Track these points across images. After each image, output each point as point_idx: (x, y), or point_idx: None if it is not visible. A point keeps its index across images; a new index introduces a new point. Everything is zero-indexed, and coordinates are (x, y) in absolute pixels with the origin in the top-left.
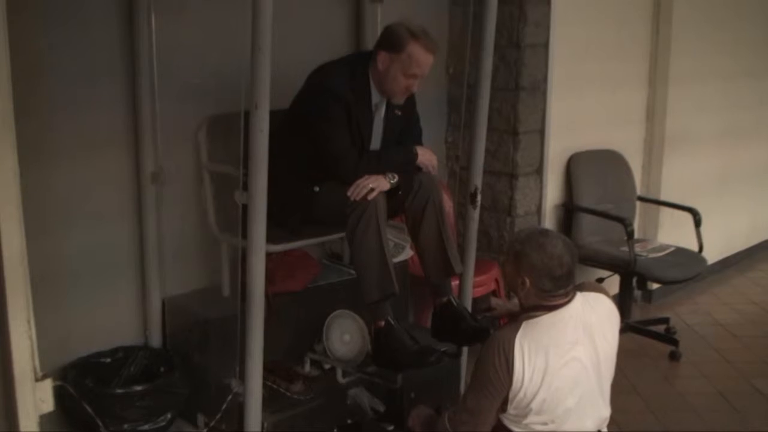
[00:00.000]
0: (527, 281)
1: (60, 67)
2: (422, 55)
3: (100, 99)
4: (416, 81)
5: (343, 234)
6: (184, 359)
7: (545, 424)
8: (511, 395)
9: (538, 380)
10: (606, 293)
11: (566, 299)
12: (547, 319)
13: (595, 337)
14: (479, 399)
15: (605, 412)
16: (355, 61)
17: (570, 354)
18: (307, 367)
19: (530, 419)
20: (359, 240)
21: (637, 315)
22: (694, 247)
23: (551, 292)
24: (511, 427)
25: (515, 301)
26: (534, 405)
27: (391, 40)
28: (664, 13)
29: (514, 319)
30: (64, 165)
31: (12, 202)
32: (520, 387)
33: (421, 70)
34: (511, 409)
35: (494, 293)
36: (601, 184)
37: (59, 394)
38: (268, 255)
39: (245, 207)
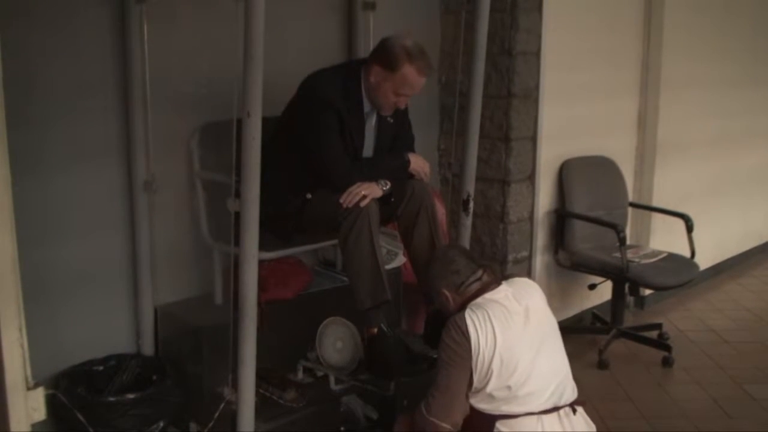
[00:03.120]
0: (444, 291)
1: (52, 77)
2: (415, 78)
3: (92, 108)
4: (406, 99)
5: (335, 241)
6: (176, 367)
7: (509, 388)
8: (473, 364)
9: (491, 342)
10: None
11: (487, 282)
12: (486, 300)
13: (530, 311)
14: (447, 373)
15: (568, 384)
16: (348, 68)
17: (512, 322)
18: (300, 375)
19: (492, 385)
20: (352, 247)
21: (629, 321)
22: (687, 253)
23: (465, 282)
24: (480, 405)
25: None
26: (494, 366)
27: (387, 58)
28: (656, 22)
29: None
30: (56, 174)
31: (4, 210)
32: (478, 351)
33: (412, 91)
34: (476, 382)
35: None
36: (594, 190)
37: (51, 403)
38: (261, 263)
39: (238, 215)
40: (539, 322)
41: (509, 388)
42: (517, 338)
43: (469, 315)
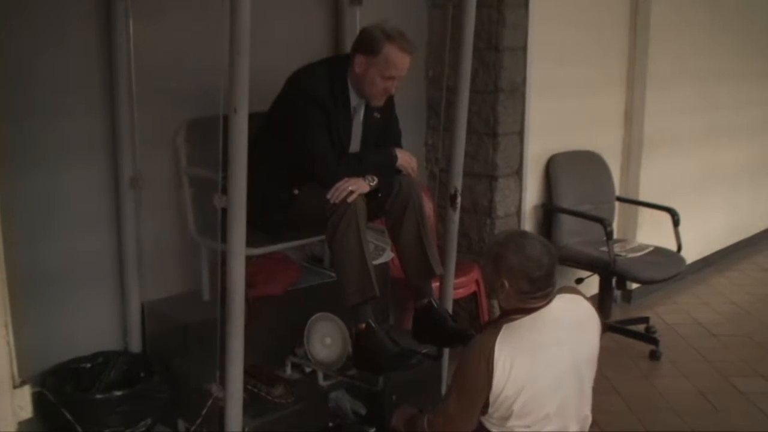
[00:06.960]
0: (506, 283)
1: (37, 73)
2: (398, 57)
3: (77, 104)
4: (394, 82)
5: (323, 237)
6: (164, 364)
7: (527, 427)
8: (491, 398)
9: (519, 384)
10: (583, 296)
11: (545, 301)
12: (527, 322)
13: (574, 339)
14: (458, 403)
15: (587, 413)
16: (334, 63)
17: (550, 356)
18: (288, 371)
19: (512, 422)
20: (339, 243)
21: (616, 315)
22: (673, 247)
23: (530, 294)
24: (493, 429)
25: None
26: (515, 408)
27: (367, 43)
28: (642, 16)
29: (495, 323)
30: (41, 170)
31: None
32: (501, 390)
33: (398, 71)
34: (492, 412)
35: (474, 294)
36: (581, 185)
37: (38, 401)
38: (248, 259)
39: (224, 211)
40: (578, 363)
41: (528, 426)
42: (549, 382)
43: (500, 346)
